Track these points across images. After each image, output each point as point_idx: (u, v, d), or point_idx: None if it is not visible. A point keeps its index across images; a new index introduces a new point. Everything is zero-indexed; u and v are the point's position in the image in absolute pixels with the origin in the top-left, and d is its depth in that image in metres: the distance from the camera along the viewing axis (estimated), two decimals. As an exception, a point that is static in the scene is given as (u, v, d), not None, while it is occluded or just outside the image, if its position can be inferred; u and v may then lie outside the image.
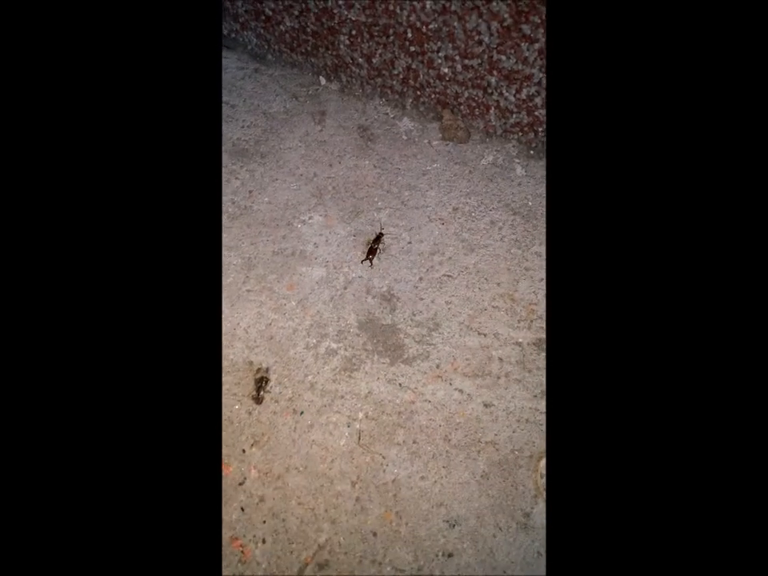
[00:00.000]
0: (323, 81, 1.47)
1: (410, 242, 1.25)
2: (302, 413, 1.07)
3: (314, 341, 1.14)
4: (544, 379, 1.09)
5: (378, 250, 1.22)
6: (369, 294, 1.20)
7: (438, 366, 1.11)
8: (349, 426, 1.06)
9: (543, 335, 1.13)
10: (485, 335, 1.14)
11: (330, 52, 1.39)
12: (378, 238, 1.23)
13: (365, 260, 1.22)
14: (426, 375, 1.10)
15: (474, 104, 1.31)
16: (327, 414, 1.07)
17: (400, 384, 1.10)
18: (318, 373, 1.11)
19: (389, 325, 1.16)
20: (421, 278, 1.21)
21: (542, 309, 1.16)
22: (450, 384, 1.09)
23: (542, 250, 1.22)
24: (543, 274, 1.19)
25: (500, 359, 1.12)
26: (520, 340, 1.13)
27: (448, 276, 1.21)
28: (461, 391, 1.09)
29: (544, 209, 1.27)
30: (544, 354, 1.11)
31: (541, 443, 1.04)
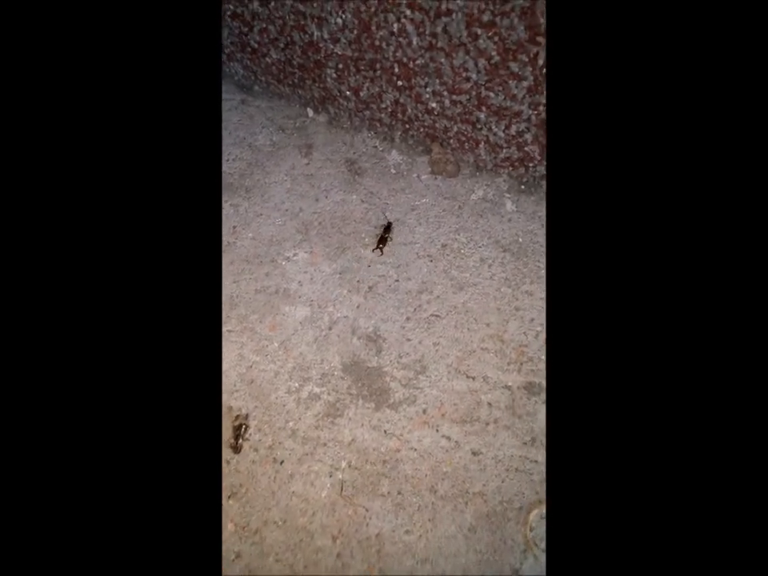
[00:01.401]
0: (311, 113, 1.45)
1: (397, 280, 1.22)
2: (282, 462, 1.03)
3: (297, 384, 1.10)
4: (534, 425, 1.05)
5: (389, 240, 1.24)
6: (354, 335, 1.16)
7: (424, 412, 1.07)
8: (331, 476, 1.01)
9: (534, 378, 1.09)
10: (473, 378, 1.10)
11: (317, 84, 1.37)
12: (388, 227, 1.24)
13: (375, 249, 1.23)
14: (413, 421, 1.06)
15: (463, 138, 1.29)
16: (309, 463, 1.02)
17: (385, 431, 1.06)
18: (300, 419, 1.07)
19: (374, 367, 1.12)
20: (408, 318, 1.17)
21: (532, 351, 1.12)
22: (437, 431, 1.05)
23: (533, 288, 1.19)
24: (534, 314, 1.16)
25: (489, 404, 1.08)
26: (509, 384, 1.09)
27: (436, 316, 1.18)
28: (448, 438, 1.04)
29: (534, 246, 1.24)
30: (534, 399, 1.08)
31: (530, 494, 0.99)
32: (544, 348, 1.12)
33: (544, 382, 1.09)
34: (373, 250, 1.25)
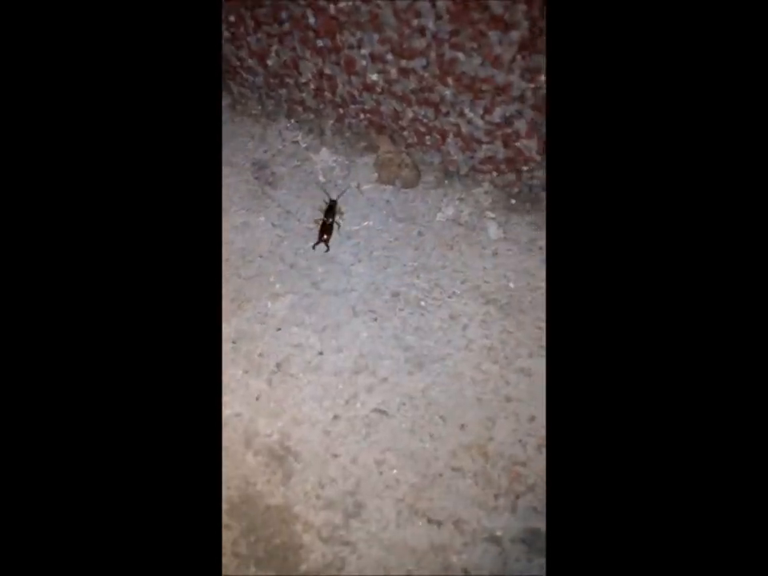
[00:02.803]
0: (205, 93, 1.01)
1: (321, 353, 0.79)
2: None
3: (147, 544, 0.67)
4: (540, 612, 0.63)
5: (336, 226, 0.87)
6: (249, 449, 0.73)
7: (357, 589, 0.65)
8: None
9: (537, 523, 0.67)
10: (439, 524, 0.68)
11: (207, 51, 0.93)
12: (332, 208, 0.88)
13: (317, 243, 0.87)
14: (338, 606, 0.64)
15: (422, 129, 0.85)
16: None
17: (291, 625, 0.63)
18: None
19: (278, 506, 0.69)
20: (336, 417, 0.74)
21: (533, 473, 0.70)
22: (378, 625, 0.63)
23: (532, 364, 0.76)
24: (534, 409, 0.73)
25: (464, 570, 0.66)
26: (498, 533, 0.67)
27: (381, 412, 0.75)
28: (396, 637, 0.62)
29: (534, 295, 0.81)
30: (538, 561, 0.66)
31: None
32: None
33: (554, 531, 0.67)
34: (314, 246, 0.87)
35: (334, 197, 0.88)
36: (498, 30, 0.65)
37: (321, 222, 0.87)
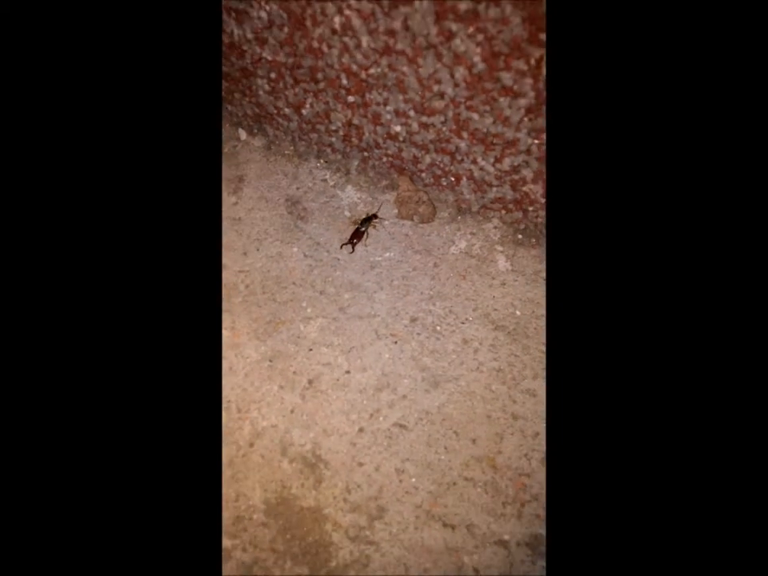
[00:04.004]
0: (243, 135, 1.12)
1: (348, 371, 0.88)
2: None
3: (196, 539, 0.76)
4: (542, 606, 0.72)
5: (366, 235, 0.99)
6: (285, 456, 0.82)
7: (380, 582, 0.73)
8: None
9: (540, 529, 0.76)
10: (453, 528, 0.77)
11: (248, 99, 1.04)
12: (369, 220, 0.99)
13: (345, 244, 0.99)
14: (363, 597, 0.73)
15: (439, 172, 0.96)
16: None
17: (322, 612, 0.72)
18: (197, 598, 0.73)
19: (310, 508, 0.78)
20: (361, 429, 0.84)
21: (537, 483, 0.79)
22: (399, 614, 0.72)
23: (536, 386, 0.85)
24: (538, 426, 0.82)
25: (475, 570, 0.74)
26: (505, 537, 0.76)
27: (401, 426, 0.84)
28: (415, 626, 0.71)
29: (538, 321, 0.90)
30: (541, 563, 0.74)
31: None
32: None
33: (554, 534, 0.75)
34: (342, 246, 0.99)
35: (376, 213, 1.00)
36: (508, 96, 0.75)
37: (356, 229, 0.98)
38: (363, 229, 0.98)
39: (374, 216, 0.99)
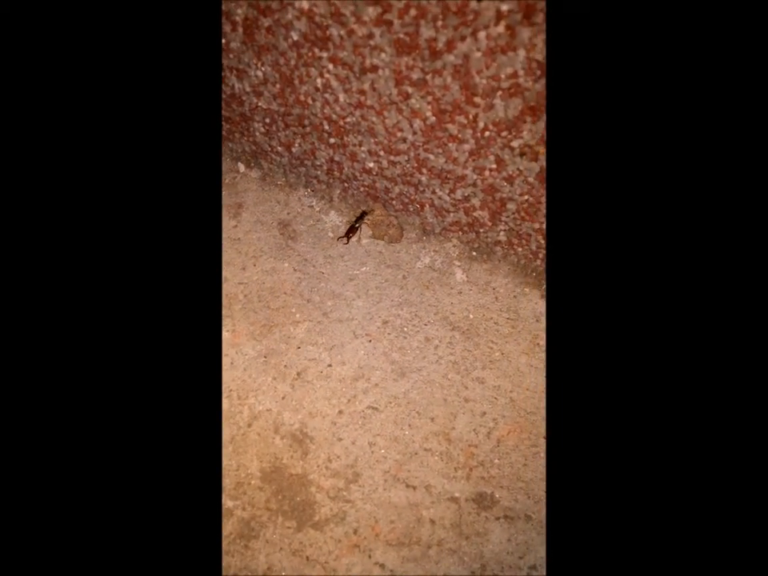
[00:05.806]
0: (242, 168, 1.31)
1: (330, 365, 1.06)
2: (179, 604, 0.85)
3: (204, 500, 0.93)
4: (484, 549, 0.89)
5: (360, 230, 1.19)
6: (277, 434, 0.99)
7: (355, 532, 0.90)
8: (238, 622, 0.84)
9: (485, 488, 0.93)
10: (414, 488, 0.94)
11: (246, 138, 1.23)
12: (361, 217, 1.19)
13: (341, 237, 1.19)
14: (341, 544, 0.89)
15: (406, 200, 1.15)
16: (212, 605, 0.84)
17: (307, 557, 0.89)
18: (205, 546, 0.89)
19: (298, 475, 0.95)
20: (341, 411, 1.01)
21: (483, 452, 0.96)
22: (369, 556, 0.88)
23: (485, 375, 1.04)
24: (485, 406, 1.00)
25: (431, 521, 0.91)
26: (456, 494, 0.93)
27: (373, 408, 1.02)
28: (382, 566, 0.88)
29: (487, 323, 1.09)
30: (485, 515, 0.91)
31: (481, 637, 0.83)
32: (497, 449, 0.96)
33: (497, 493, 0.93)
34: (338, 239, 1.20)
35: (366, 210, 1.20)
36: (455, 142, 0.95)
37: (350, 225, 1.18)
38: (357, 225, 1.19)
39: (366, 213, 1.20)
